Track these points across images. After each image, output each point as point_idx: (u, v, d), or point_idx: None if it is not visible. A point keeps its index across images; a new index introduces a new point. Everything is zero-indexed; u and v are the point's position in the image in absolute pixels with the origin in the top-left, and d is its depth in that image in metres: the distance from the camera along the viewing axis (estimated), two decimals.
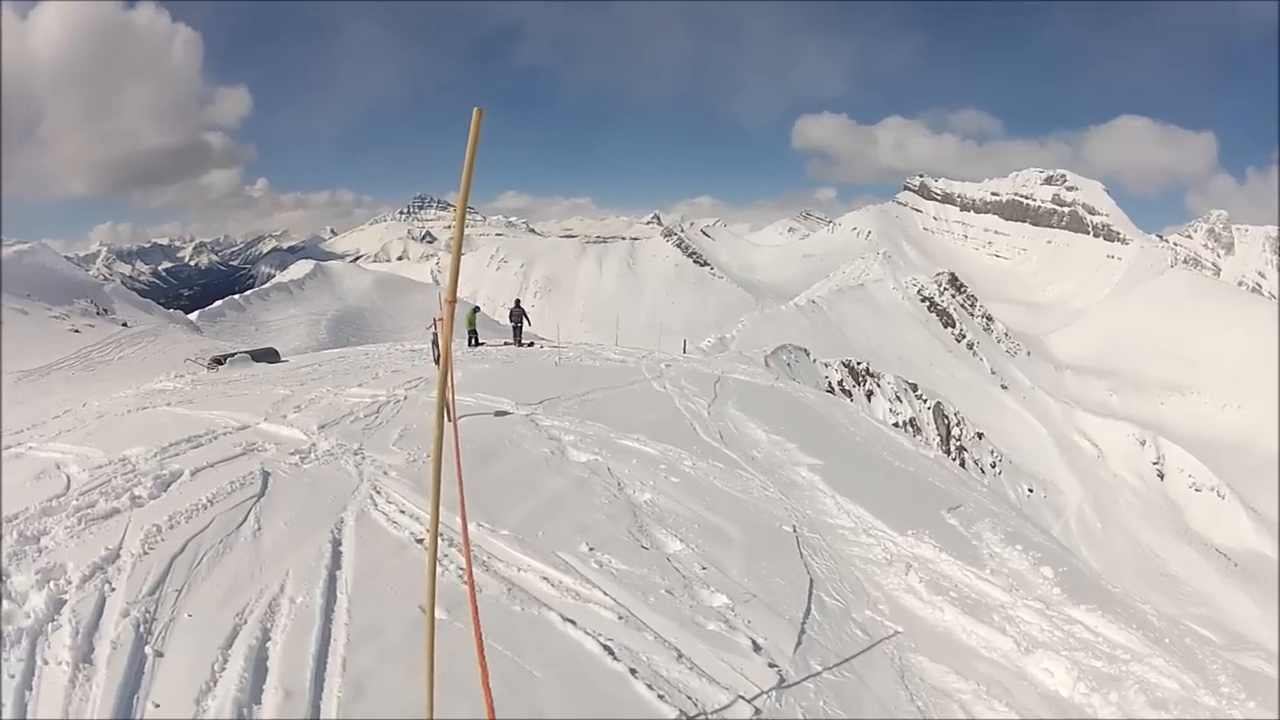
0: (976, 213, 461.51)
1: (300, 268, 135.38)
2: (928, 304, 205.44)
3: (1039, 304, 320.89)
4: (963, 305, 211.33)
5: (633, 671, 6.73)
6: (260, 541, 8.73)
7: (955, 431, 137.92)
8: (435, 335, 26.50)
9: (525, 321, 38.27)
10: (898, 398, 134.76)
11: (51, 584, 7.17)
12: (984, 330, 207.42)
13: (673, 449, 15.29)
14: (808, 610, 8.66)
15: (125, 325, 42.11)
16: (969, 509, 14.10)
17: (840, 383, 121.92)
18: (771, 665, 7.25)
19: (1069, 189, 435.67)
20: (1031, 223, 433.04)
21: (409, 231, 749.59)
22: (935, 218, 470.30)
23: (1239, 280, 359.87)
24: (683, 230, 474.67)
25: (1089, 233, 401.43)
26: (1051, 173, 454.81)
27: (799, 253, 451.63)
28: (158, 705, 5.75)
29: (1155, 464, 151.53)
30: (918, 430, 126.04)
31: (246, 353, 29.45)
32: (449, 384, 4.48)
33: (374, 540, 9.05)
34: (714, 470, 14.28)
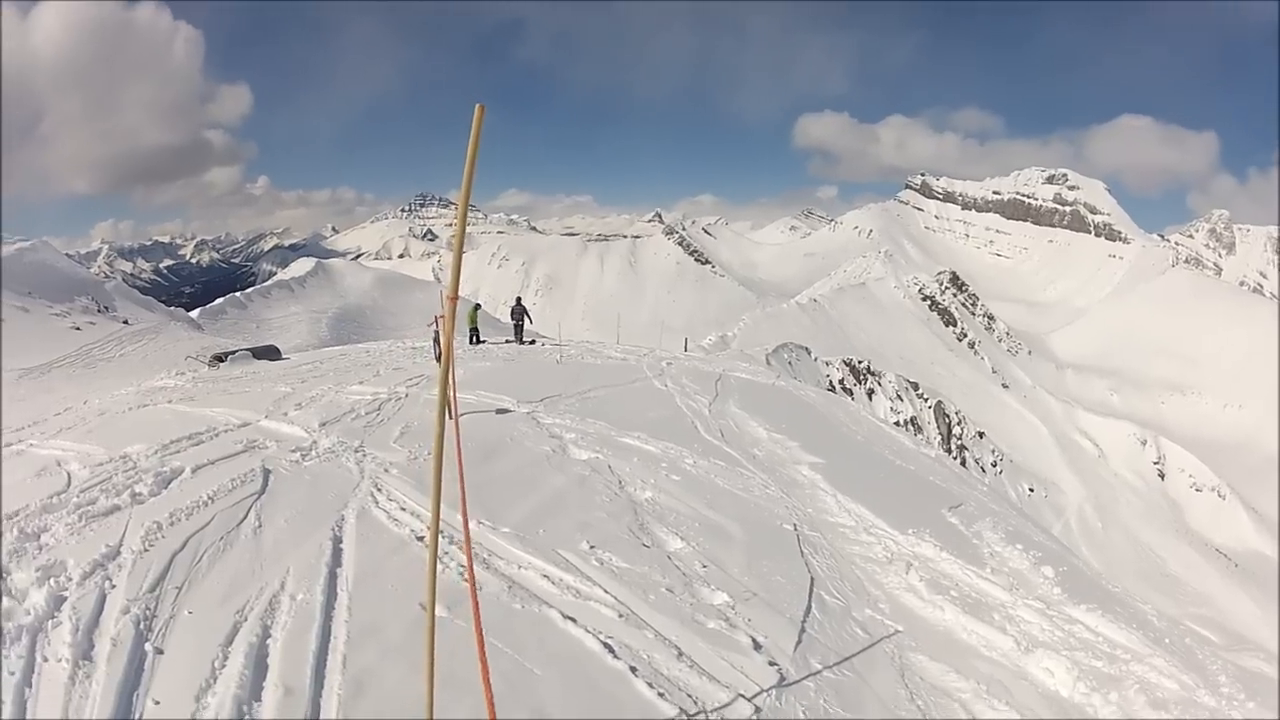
0: (978, 211, 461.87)
1: (301, 265, 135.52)
2: (929, 303, 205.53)
3: (1040, 303, 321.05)
4: (964, 304, 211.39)
5: (633, 669, 6.73)
6: (261, 539, 8.73)
7: (956, 430, 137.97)
8: (437, 333, 26.48)
9: (526, 319, 38.25)
10: (899, 396, 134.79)
11: (52, 581, 7.17)
12: (985, 329, 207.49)
13: (674, 447, 15.27)
14: (808, 609, 8.65)
15: (126, 323, 42.12)
16: (969, 508, 14.10)
17: (841, 381, 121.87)
18: (772, 663, 7.24)
19: (1070, 188, 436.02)
20: (1033, 222, 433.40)
21: (410, 229, 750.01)
22: (937, 216, 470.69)
23: (1240, 280, 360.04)
24: (684, 228, 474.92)
25: (1090, 232, 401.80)
26: (1053, 172, 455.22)
27: (800, 251, 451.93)
28: (158, 702, 5.75)
29: (1156, 464, 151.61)
30: (919, 429, 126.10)
31: (247, 350, 29.49)
32: (450, 381, 4.47)
33: (375, 538, 9.05)
34: (715, 468, 14.28)
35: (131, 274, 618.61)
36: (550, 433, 15.61)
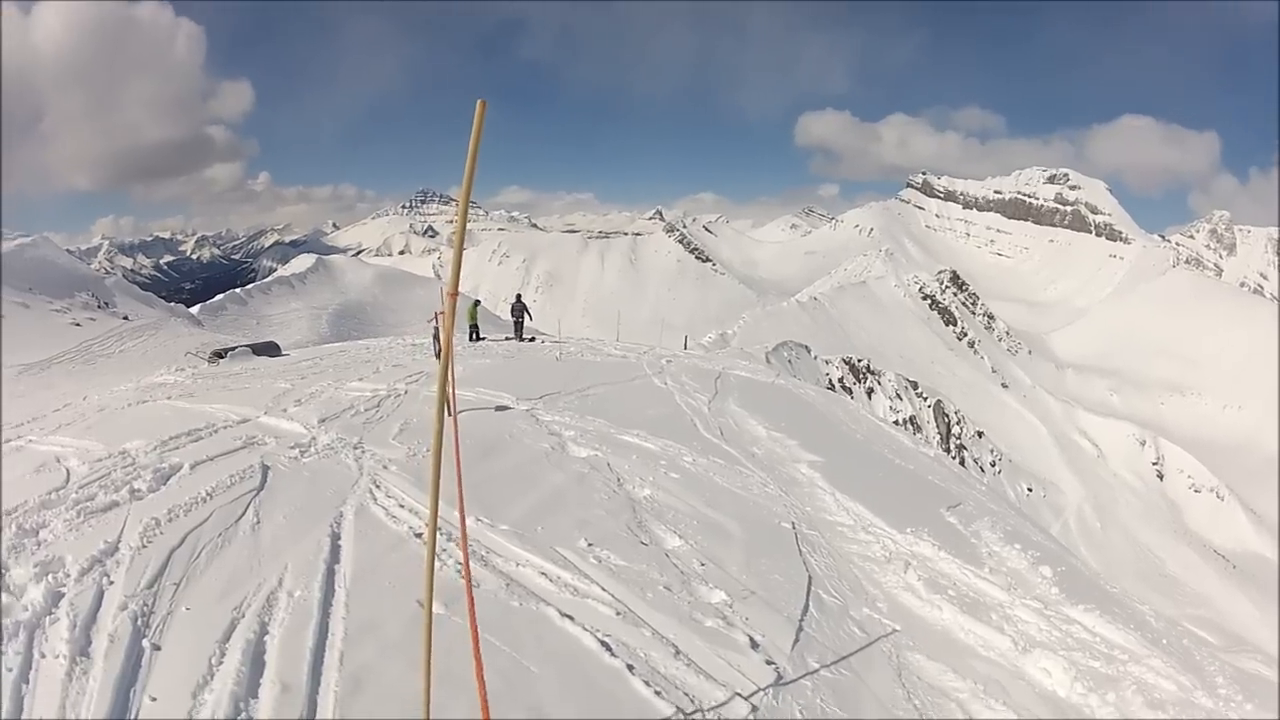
0: (979, 211, 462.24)
1: (302, 262, 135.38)
2: (929, 302, 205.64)
3: (1040, 303, 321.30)
4: (964, 303, 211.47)
5: (630, 668, 6.73)
6: (259, 535, 8.74)
7: (955, 430, 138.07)
8: (437, 329, 26.47)
9: (526, 316, 38.37)
10: (898, 395, 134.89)
11: (50, 577, 7.18)
12: (985, 328, 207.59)
13: (673, 445, 15.28)
14: (806, 607, 8.66)
15: (126, 319, 42.12)
16: (968, 507, 14.11)
17: (841, 380, 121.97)
18: (769, 662, 7.25)
19: (1072, 188, 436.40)
20: (1034, 221, 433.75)
21: (411, 226, 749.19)
22: (938, 215, 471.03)
23: (1241, 281, 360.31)
24: (685, 226, 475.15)
25: (1091, 232, 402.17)
26: (1054, 171, 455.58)
27: (801, 249, 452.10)
28: (154, 699, 5.76)
29: (1155, 464, 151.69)
30: (918, 428, 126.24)
31: (247, 346, 29.46)
32: (449, 378, 4.48)
33: (373, 535, 9.05)
34: (714, 466, 14.29)
35: (132, 270, 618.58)
36: (549, 430, 15.62)
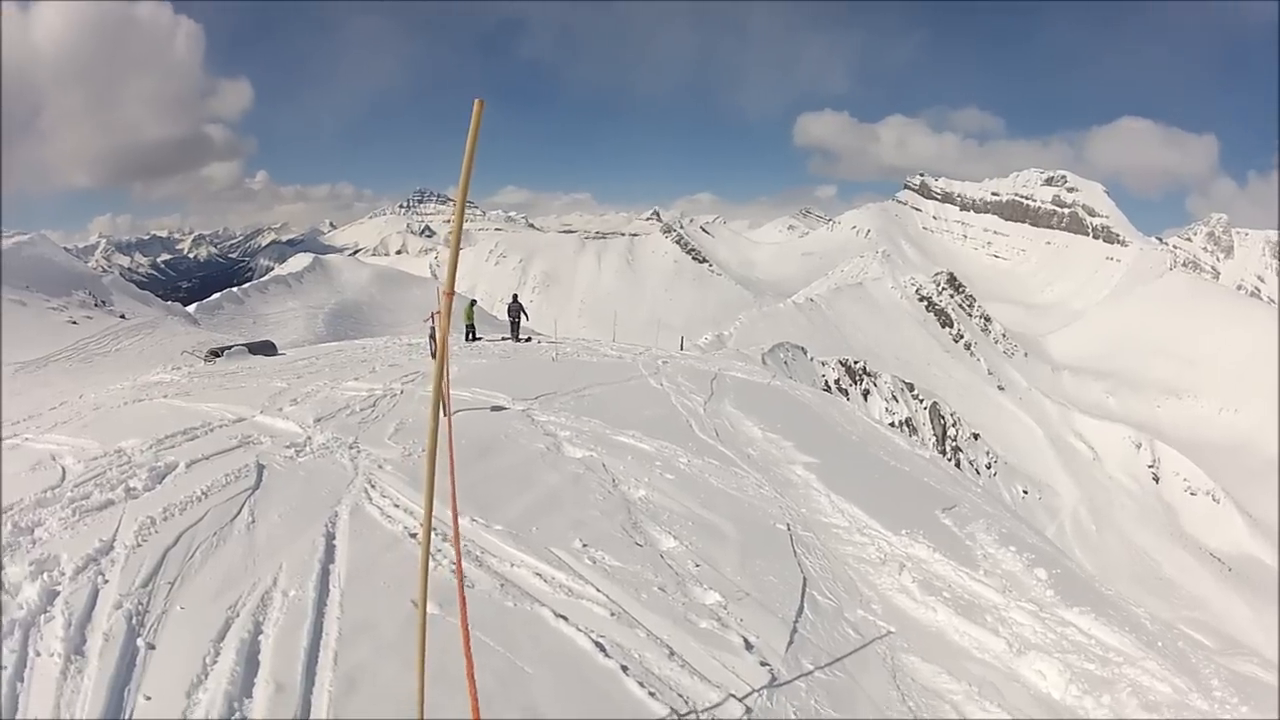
0: (976, 212, 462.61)
1: (299, 261, 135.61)
2: (926, 303, 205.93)
3: (1037, 305, 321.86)
4: (961, 305, 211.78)
5: (624, 668, 6.74)
6: (254, 534, 8.73)
7: (951, 432, 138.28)
8: (433, 329, 26.47)
9: (523, 316, 38.36)
10: (894, 397, 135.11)
11: (45, 575, 7.17)
12: (982, 330, 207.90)
13: (668, 446, 15.28)
14: (800, 609, 8.67)
15: (123, 317, 42.10)
16: (963, 509, 14.13)
17: (837, 381, 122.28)
18: (763, 664, 7.25)
19: (1069, 190, 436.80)
20: (1031, 223, 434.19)
21: (408, 225, 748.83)
22: (935, 217, 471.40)
23: (1238, 284, 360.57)
24: (682, 227, 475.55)
25: (1088, 234, 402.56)
26: (1052, 173, 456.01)
27: (798, 250, 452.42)
28: (149, 698, 5.75)
29: (1151, 467, 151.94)
30: (914, 430, 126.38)
31: (243, 345, 29.46)
32: (444, 378, 4.48)
33: (368, 534, 9.05)
34: (709, 467, 14.30)
35: (129, 268, 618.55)
36: (545, 430, 15.61)
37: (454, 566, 7.93)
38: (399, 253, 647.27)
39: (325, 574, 7.88)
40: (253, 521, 9.08)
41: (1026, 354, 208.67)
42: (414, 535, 9.00)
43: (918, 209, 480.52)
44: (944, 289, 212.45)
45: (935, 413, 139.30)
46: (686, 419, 18.81)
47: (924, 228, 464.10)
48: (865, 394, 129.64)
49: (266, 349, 29.68)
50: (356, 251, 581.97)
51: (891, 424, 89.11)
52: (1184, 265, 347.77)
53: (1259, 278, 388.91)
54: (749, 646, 7.49)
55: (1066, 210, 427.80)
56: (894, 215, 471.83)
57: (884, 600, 9.47)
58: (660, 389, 22.90)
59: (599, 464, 13.41)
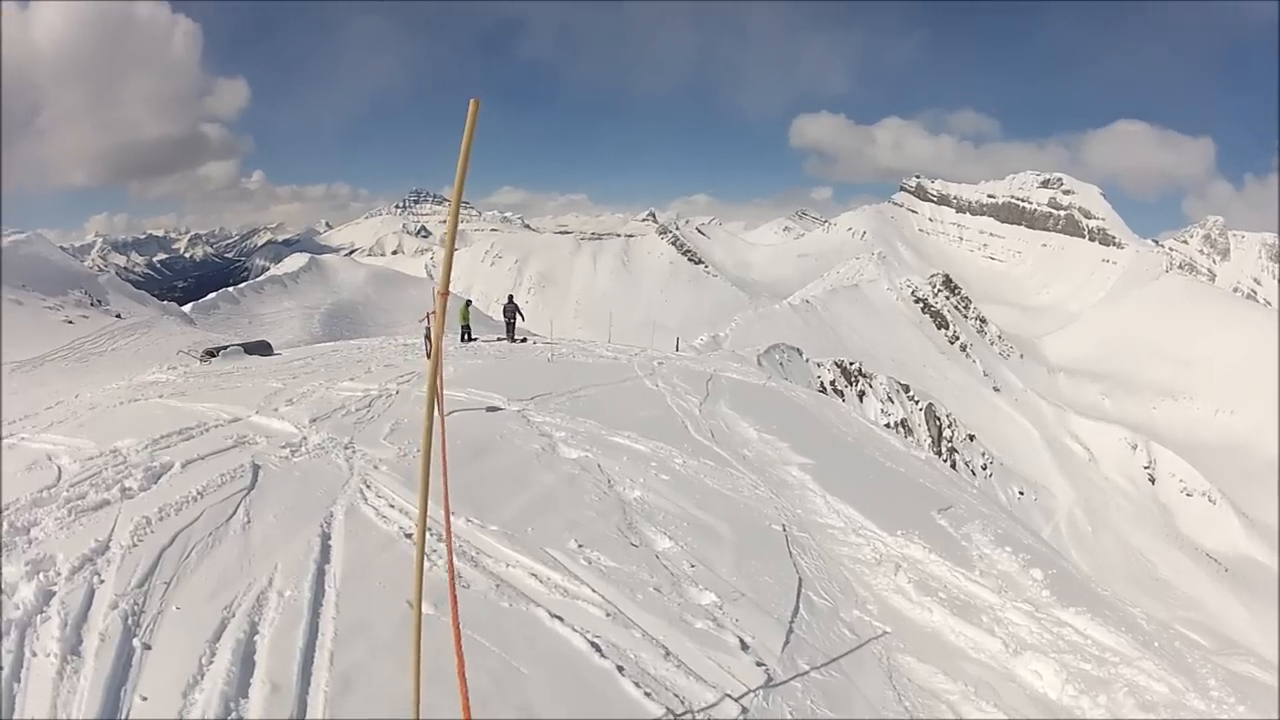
0: (972, 214, 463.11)
1: (295, 261, 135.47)
2: (921, 305, 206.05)
3: (1033, 307, 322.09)
4: (956, 307, 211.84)
5: (620, 669, 6.74)
6: (249, 535, 8.73)
7: (947, 433, 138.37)
8: (428, 329, 26.44)
9: (519, 317, 38.43)
10: (890, 398, 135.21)
11: (41, 575, 7.16)
12: (977, 332, 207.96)
13: (664, 446, 15.30)
14: (796, 609, 8.67)
15: (119, 317, 42.09)
16: (959, 510, 14.15)
17: (833, 383, 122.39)
18: (759, 664, 7.26)
19: (1065, 192, 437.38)
20: (1027, 225, 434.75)
21: (404, 226, 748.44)
22: (931, 219, 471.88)
23: (1234, 286, 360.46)
24: (678, 228, 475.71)
25: (1084, 237, 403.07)
26: (1048, 176, 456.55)
27: (794, 252, 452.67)
28: (145, 698, 5.75)
29: (1146, 468, 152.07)
30: (909, 431, 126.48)
31: (239, 345, 29.45)
32: (438, 378, 4.49)
33: (363, 534, 9.04)
34: (705, 468, 14.31)
35: (125, 267, 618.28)
36: (540, 431, 15.61)
37: (449, 567, 7.96)
38: (395, 253, 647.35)
39: (321, 574, 7.88)
40: (248, 522, 9.07)
41: (1022, 356, 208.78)
42: (409, 536, 8.99)
43: (913, 211, 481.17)
44: (940, 291, 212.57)
45: (931, 414, 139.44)
46: (682, 420, 18.83)
47: (920, 230, 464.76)
48: (861, 395, 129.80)
49: (262, 349, 29.68)
50: (352, 252, 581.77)
51: (887, 425, 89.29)
52: (1180, 267, 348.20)
53: (1255, 280, 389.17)
54: (745, 647, 7.50)
55: (1062, 212, 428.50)
56: (890, 217, 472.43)
57: (880, 601, 9.48)
58: (656, 390, 22.93)
59: (594, 465, 13.41)
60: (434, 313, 4.09)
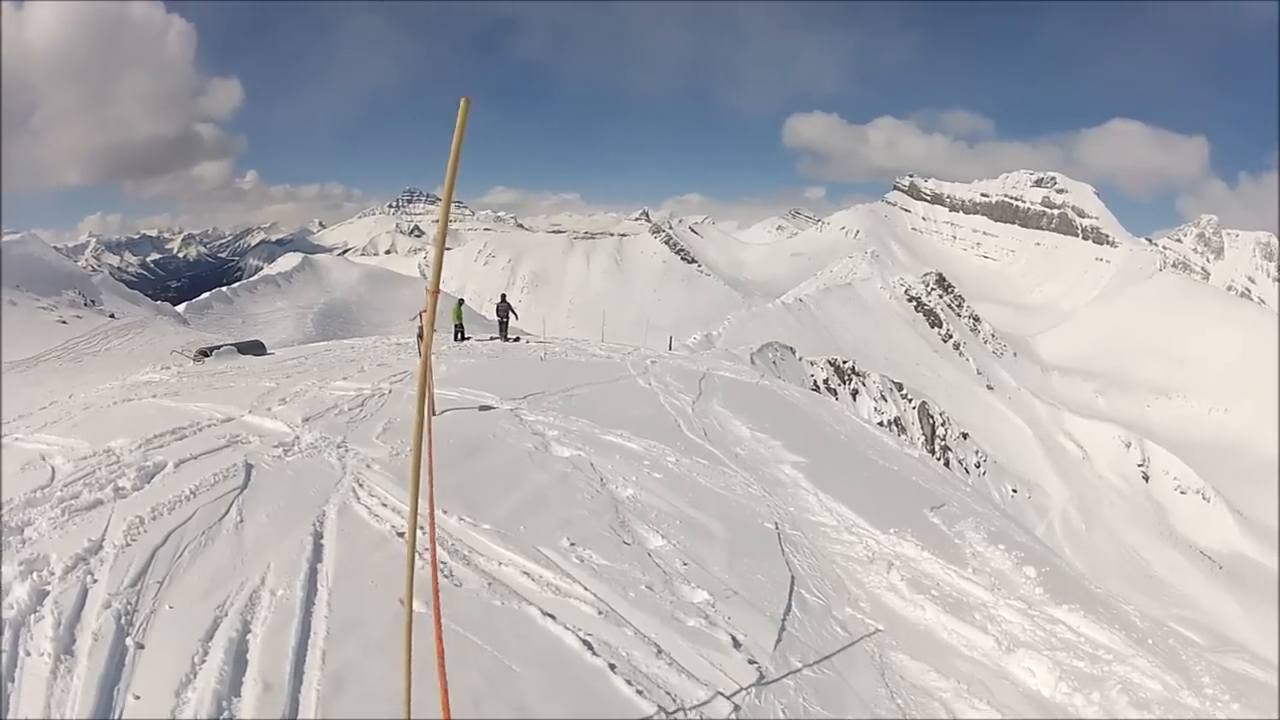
0: (965, 213, 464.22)
1: (288, 260, 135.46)
2: (915, 304, 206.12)
3: (1027, 305, 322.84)
4: (950, 305, 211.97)
5: (612, 667, 6.74)
6: (242, 534, 8.73)
7: (940, 431, 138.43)
8: (420, 328, 26.47)
9: (512, 316, 38.46)
10: (883, 397, 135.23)
11: (34, 575, 7.16)
12: (971, 331, 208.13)
13: (656, 445, 15.30)
14: (788, 607, 8.67)
15: (113, 317, 42.14)
16: (952, 508, 14.15)
17: (826, 381, 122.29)
18: (751, 662, 7.26)
19: (1059, 191, 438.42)
20: (1020, 224, 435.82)
21: (397, 225, 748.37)
22: (924, 218, 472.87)
23: (1228, 285, 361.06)
24: (671, 227, 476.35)
25: (1078, 235, 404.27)
26: (1041, 175, 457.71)
27: (787, 251, 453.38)
28: (138, 697, 5.75)
29: (1140, 466, 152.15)
30: (902, 429, 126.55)
31: (232, 345, 29.45)
32: (429, 376, 4.49)
33: (356, 533, 9.05)
34: (697, 467, 14.32)
35: (119, 268, 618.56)
36: (533, 430, 15.62)
37: (441, 565, 7.97)
38: (388, 252, 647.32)
39: (313, 573, 7.89)
40: (241, 521, 9.08)
41: (1015, 354, 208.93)
42: (402, 534, 9.00)
43: (907, 210, 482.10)
44: (933, 289, 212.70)
45: (924, 412, 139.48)
46: (675, 418, 18.85)
47: (913, 228, 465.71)
48: (854, 394, 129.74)
49: (255, 349, 29.67)
50: (345, 251, 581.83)
51: (880, 423, 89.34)
52: (1174, 266, 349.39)
53: (1249, 279, 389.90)
54: (737, 645, 7.50)
55: (1056, 211, 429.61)
56: (883, 216, 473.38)
57: (872, 598, 9.48)
58: (649, 389, 22.95)
59: (587, 463, 13.42)
60: (425, 311, 4.10)
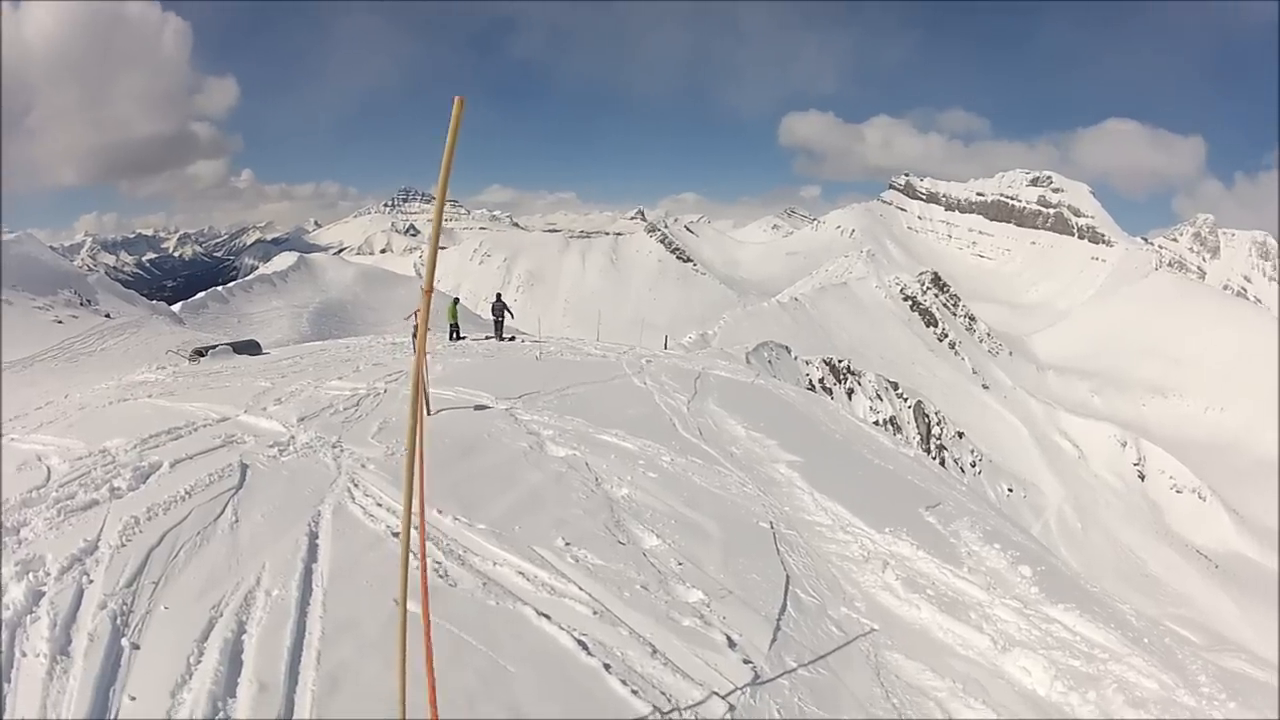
0: (961, 212, 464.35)
1: (283, 260, 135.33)
2: (910, 303, 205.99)
3: (1022, 305, 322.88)
4: (945, 305, 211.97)
5: (607, 667, 6.76)
6: (237, 534, 8.73)
7: (935, 430, 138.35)
8: (415, 327, 26.52)
9: (507, 315, 38.50)
10: (878, 396, 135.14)
11: (30, 575, 7.16)
12: (966, 330, 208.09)
13: (651, 444, 15.30)
14: (784, 607, 8.69)
15: (108, 316, 42.13)
16: (948, 507, 14.16)
17: (821, 380, 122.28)
18: (746, 661, 7.28)
19: (1054, 190, 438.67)
20: (1016, 223, 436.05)
21: (393, 224, 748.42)
22: (920, 217, 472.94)
23: (1224, 284, 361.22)
24: (667, 226, 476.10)
25: (1074, 234, 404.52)
26: (1037, 174, 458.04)
27: (783, 250, 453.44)
28: (134, 698, 5.76)
29: (1136, 465, 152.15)
30: (898, 429, 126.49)
31: (228, 345, 29.43)
32: (423, 374, 4.50)
33: (351, 533, 9.05)
34: (692, 466, 14.32)
35: (114, 267, 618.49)
36: (528, 429, 15.62)
37: (436, 565, 7.99)
38: (384, 251, 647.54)
39: (308, 573, 7.89)
40: (236, 521, 9.08)
41: (1011, 353, 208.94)
42: (397, 534, 8.99)
43: (902, 209, 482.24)
44: (928, 288, 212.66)
45: (919, 411, 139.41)
46: (670, 418, 18.85)
47: (909, 227, 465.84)
48: (849, 393, 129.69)
49: (251, 348, 29.66)
50: (341, 250, 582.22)
51: (875, 422, 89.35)
52: (1170, 265, 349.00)
53: (1245, 278, 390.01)
54: (732, 644, 7.52)
55: (1052, 210, 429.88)
56: (879, 215, 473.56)
57: (867, 598, 9.49)
58: (644, 388, 22.96)
59: (582, 463, 13.42)
60: (419, 310, 4.12)
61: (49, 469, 10.96)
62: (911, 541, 11.15)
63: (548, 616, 7.48)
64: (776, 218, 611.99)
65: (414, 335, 27.42)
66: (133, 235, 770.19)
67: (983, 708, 7.17)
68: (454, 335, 36.12)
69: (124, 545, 8.02)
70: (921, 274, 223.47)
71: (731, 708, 6.49)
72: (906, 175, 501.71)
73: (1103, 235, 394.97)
